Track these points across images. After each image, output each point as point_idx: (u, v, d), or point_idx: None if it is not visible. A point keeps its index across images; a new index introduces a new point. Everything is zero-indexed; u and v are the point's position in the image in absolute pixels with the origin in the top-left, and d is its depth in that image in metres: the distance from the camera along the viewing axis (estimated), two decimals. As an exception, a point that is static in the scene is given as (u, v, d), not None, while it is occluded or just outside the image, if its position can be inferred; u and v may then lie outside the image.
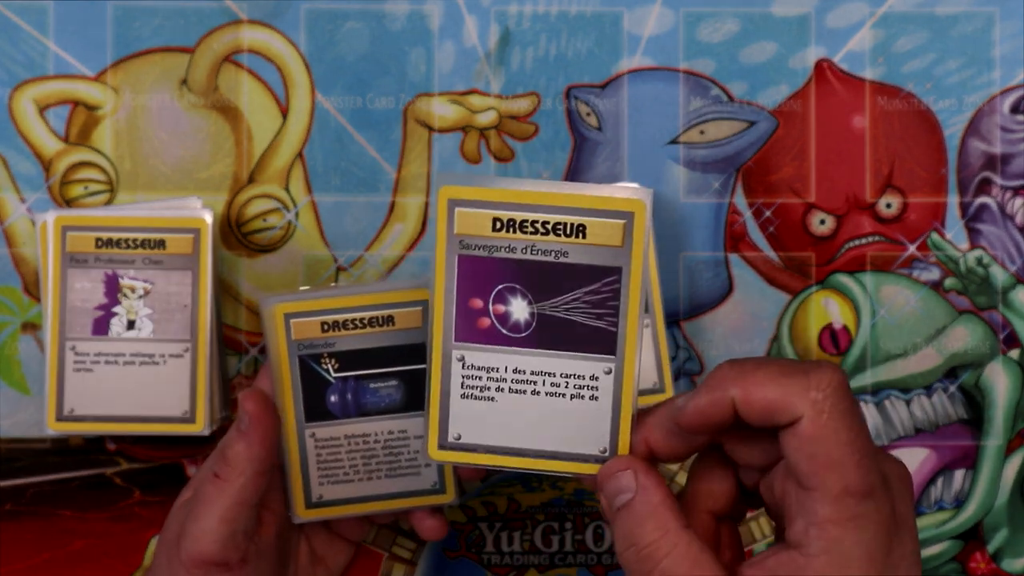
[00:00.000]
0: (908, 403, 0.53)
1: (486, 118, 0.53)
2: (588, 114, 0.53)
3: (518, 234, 0.37)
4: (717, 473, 0.39)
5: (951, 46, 0.53)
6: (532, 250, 0.37)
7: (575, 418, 0.38)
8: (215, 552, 0.43)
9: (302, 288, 0.47)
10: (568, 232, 0.37)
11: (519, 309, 0.38)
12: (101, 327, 0.49)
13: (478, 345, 0.38)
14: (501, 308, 0.38)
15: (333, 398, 0.46)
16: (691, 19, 0.53)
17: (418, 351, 0.46)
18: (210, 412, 0.49)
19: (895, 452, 0.54)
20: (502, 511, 0.54)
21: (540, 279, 0.38)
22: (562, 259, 0.38)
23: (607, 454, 0.38)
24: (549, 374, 0.38)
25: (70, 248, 0.49)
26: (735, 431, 0.37)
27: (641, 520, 0.36)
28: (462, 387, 0.38)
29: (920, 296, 0.54)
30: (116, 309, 0.49)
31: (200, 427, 0.49)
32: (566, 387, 0.38)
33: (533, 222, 0.37)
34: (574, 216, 0.37)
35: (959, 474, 0.54)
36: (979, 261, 0.54)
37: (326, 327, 0.46)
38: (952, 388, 0.54)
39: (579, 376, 0.38)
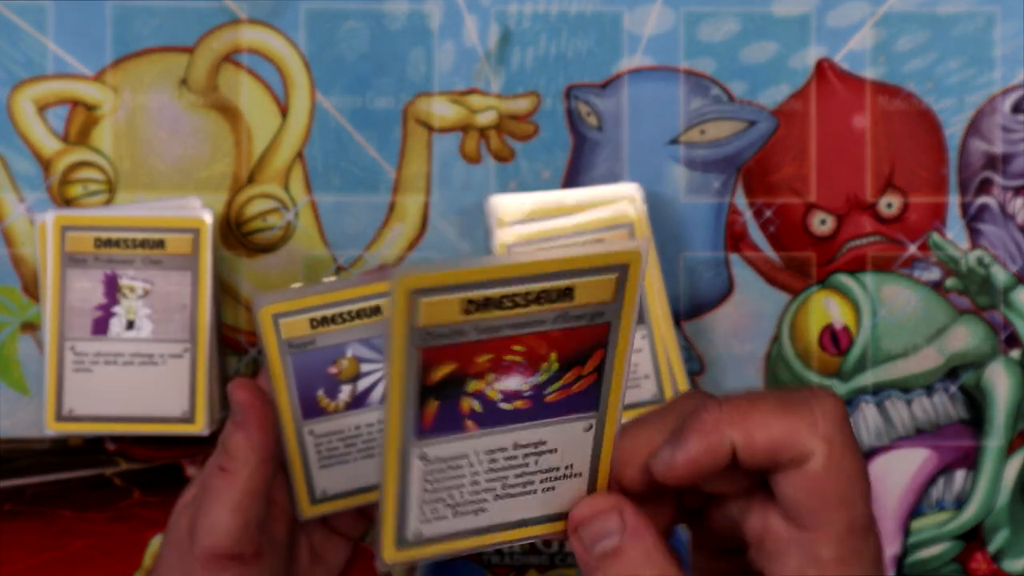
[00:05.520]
0: (909, 403, 0.53)
1: (486, 118, 0.53)
2: (588, 114, 0.53)
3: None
4: (660, 497, 0.35)
5: (952, 46, 0.53)
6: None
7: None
8: (229, 544, 0.43)
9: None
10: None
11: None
12: (100, 327, 0.49)
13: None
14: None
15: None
16: (691, 19, 0.53)
17: None
18: (210, 412, 0.49)
19: (895, 452, 0.54)
20: (502, 511, 0.54)
21: None
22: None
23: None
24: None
25: (69, 248, 0.49)
26: None
27: (637, 568, 0.32)
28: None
29: (921, 296, 0.53)
30: (115, 309, 0.49)
31: (200, 427, 0.49)
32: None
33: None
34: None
35: (960, 474, 0.54)
36: (980, 261, 0.53)
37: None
38: (953, 388, 0.53)
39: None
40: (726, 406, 0.32)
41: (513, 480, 0.34)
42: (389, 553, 0.34)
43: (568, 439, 0.33)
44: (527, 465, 0.33)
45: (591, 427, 0.33)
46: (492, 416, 0.33)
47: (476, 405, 0.32)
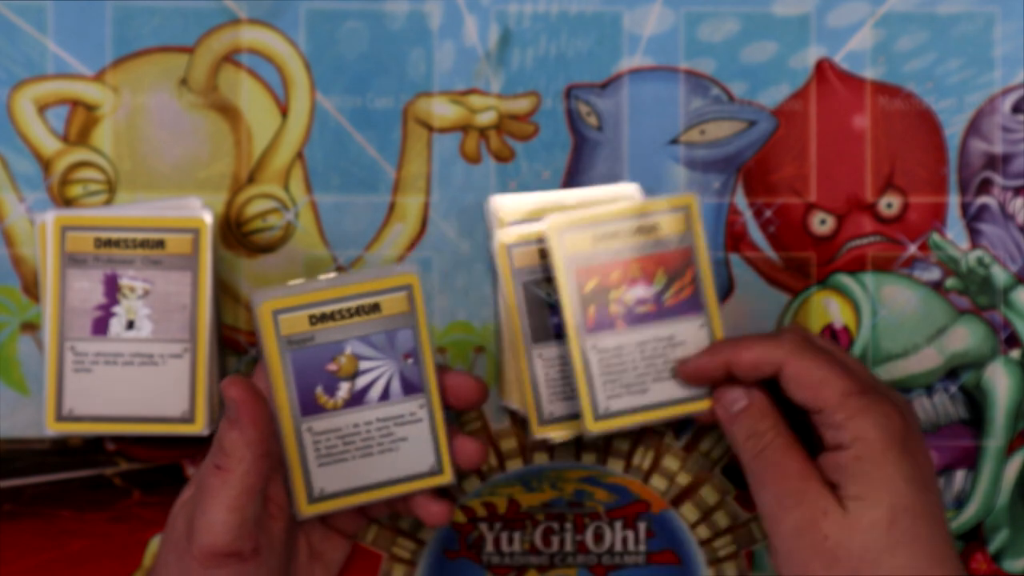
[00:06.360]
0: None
1: (486, 118, 0.53)
2: (588, 114, 0.53)
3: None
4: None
5: (952, 46, 0.53)
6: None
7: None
8: (227, 542, 0.43)
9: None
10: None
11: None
12: (100, 327, 0.49)
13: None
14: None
15: None
16: (691, 19, 0.53)
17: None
18: (210, 412, 0.49)
19: (896, 452, 0.54)
20: (502, 511, 0.54)
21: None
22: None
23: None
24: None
25: (69, 248, 0.49)
26: None
27: (760, 416, 0.47)
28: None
29: (921, 296, 0.53)
30: (115, 309, 0.49)
31: (200, 427, 0.49)
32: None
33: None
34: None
35: (960, 474, 0.54)
36: (980, 261, 0.53)
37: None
38: (953, 388, 0.53)
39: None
40: (728, 339, 0.48)
41: (660, 366, 0.49)
42: (590, 424, 0.49)
43: (690, 334, 0.49)
44: (666, 354, 0.49)
45: (704, 324, 0.49)
46: (632, 316, 0.49)
47: (620, 308, 0.49)
